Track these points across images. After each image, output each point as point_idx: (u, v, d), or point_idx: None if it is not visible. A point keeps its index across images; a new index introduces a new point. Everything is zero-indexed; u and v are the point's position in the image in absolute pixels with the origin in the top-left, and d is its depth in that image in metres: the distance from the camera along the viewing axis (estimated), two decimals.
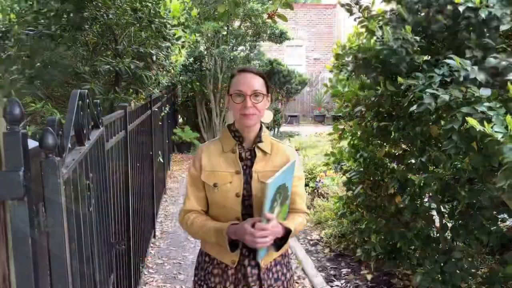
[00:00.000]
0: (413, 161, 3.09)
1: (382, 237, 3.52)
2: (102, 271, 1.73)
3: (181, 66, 9.72)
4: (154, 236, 5.01)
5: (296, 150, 7.77)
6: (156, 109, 5.59)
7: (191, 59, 10.08)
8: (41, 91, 3.53)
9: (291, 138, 8.99)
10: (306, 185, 6.04)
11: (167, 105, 6.71)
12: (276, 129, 12.37)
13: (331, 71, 3.26)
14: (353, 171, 3.67)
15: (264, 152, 1.86)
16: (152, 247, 4.75)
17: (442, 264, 2.90)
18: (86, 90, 1.52)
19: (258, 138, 1.86)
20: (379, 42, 2.73)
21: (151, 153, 5.00)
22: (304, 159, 6.79)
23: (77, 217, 1.25)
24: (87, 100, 1.52)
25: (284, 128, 13.60)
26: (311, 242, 4.75)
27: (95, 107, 1.96)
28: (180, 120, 12.35)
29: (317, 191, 5.61)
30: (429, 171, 2.95)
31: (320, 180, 5.68)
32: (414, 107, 2.34)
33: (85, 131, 1.42)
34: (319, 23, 18.44)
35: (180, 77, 10.09)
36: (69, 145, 1.14)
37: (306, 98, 17.19)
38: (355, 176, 3.64)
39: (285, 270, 1.93)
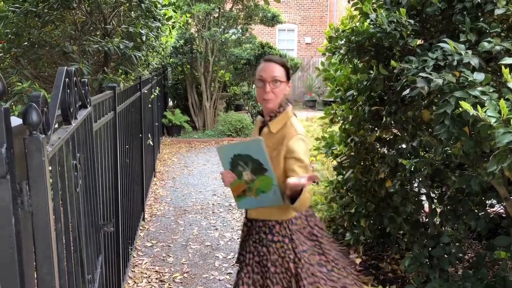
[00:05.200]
0: (404, 146, 3.09)
1: (372, 221, 3.54)
2: (90, 252, 1.71)
3: (171, 48, 9.60)
4: (143, 219, 4.99)
5: None
6: (146, 91, 5.52)
7: (182, 41, 9.95)
8: (28, 70, 3.45)
9: None
10: None
11: (157, 88, 6.63)
12: None
13: (323, 54, 3.23)
14: (344, 156, 3.66)
15: (270, 130, 2.12)
16: (141, 229, 4.73)
17: (430, 249, 2.92)
18: (73, 68, 1.47)
19: (269, 119, 2.14)
20: (373, 25, 2.70)
21: (140, 135, 4.95)
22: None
23: (63, 197, 1.23)
24: (74, 78, 1.48)
25: None
26: None
27: (82, 86, 1.91)
28: (170, 103, 12.25)
29: None
30: (419, 156, 2.95)
31: (310, 165, 5.68)
32: (407, 91, 2.33)
33: (72, 110, 1.38)
34: (312, 7, 18.29)
35: (171, 59, 9.98)
36: (55, 123, 1.10)
37: (297, 83, 17.12)
38: (346, 161, 3.63)
39: (276, 237, 2.16)
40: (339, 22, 3.19)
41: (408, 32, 2.58)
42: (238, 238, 4.54)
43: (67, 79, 1.32)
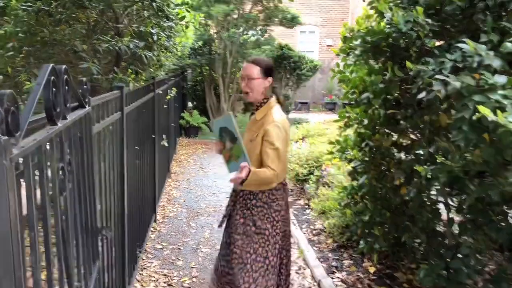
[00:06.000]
0: (421, 151, 2.95)
1: (386, 229, 3.40)
2: (82, 258, 1.63)
3: (189, 49, 9.58)
4: (155, 220, 4.95)
5: (303, 138, 7.67)
6: (161, 92, 5.47)
7: (201, 43, 9.93)
8: (38, 69, 3.42)
9: (298, 125, 8.85)
10: (311, 173, 5.91)
11: (174, 89, 6.59)
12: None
13: (338, 55, 3.11)
14: (358, 161, 3.53)
15: (255, 118, 2.63)
16: (152, 231, 4.68)
17: (447, 260, 2.76)
18: (64, 66, 1.40)
19: (256, 108, 2.65)
20: (389, 25, 2.57)
21: (153, 136, 4.90)
22: (311, 147, 6.65)
23: (41, 202, 1.15)
24: (65, 76, 1.41)
25: (293, 114, 13.28)
26: (314, 232, 4.65)
27: (81, 85, 1.85)
28: (190, 104, 12.24)
29: (322, 179, 5.48)
30: (437, 163, 2.80)
31: (325, 169, 5.55)
32: (423, 94, 2.20)
33: (58, 110, 1.30)
34: (333, 9, 18.08)
35: (189, 61, 9.95)
36: (28, 123, 1.02)
37: (317, 85, 16.95)
38: (360, 166, 3.50)
39: (258, 202, 2.63)
40: (355, 20, 3.07)
41: (426, 32, 2.44)
42: None
43: (52, 77, 1.24)
